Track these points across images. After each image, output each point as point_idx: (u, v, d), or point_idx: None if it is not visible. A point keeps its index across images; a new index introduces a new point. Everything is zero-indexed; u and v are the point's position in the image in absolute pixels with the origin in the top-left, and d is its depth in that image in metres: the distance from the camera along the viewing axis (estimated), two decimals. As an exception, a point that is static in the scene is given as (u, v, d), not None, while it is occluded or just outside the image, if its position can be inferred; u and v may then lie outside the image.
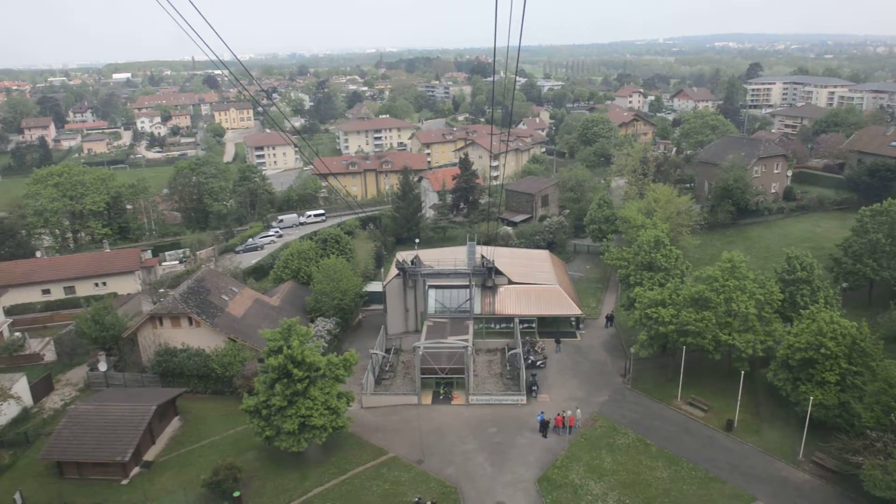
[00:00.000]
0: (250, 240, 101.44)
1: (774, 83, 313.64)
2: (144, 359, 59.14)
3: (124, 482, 45.84)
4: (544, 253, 78.06)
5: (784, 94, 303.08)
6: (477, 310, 63.91)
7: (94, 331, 59.67)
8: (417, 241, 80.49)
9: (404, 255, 67.11)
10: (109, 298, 64.90)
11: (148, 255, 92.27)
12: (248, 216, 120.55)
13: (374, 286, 73.69)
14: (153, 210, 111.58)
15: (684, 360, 51.78)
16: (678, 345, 51.43)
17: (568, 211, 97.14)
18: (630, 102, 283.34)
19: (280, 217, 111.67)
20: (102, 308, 60.65)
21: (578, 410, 49.73)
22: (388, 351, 62.83)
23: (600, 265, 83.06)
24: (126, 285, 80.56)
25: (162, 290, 60.11)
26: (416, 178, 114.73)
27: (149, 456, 48.69)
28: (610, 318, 66.99)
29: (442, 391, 54.57)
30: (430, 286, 64.59)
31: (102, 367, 58.46)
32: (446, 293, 64.75)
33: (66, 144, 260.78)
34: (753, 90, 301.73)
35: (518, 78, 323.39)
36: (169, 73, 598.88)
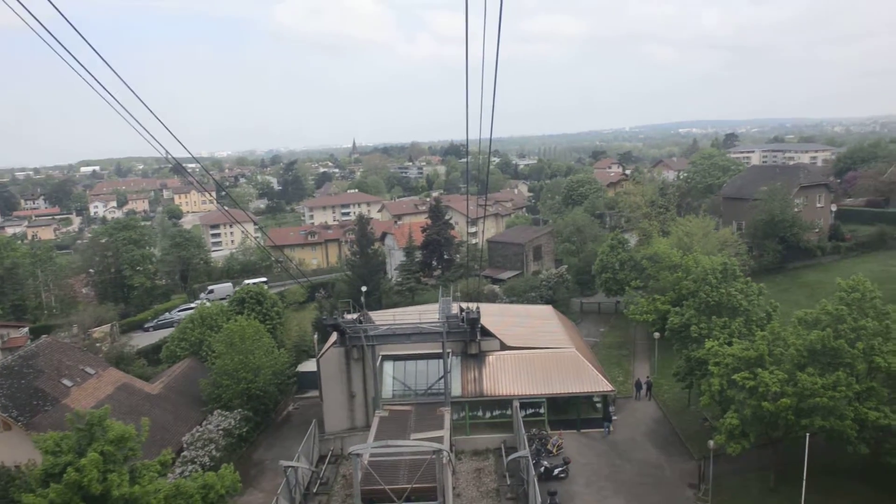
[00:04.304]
0: (167, 314, 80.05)
1: (754, 151, 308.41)
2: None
3: None
4: (547, 308, 57.65)
5: (763, 160, 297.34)
6: (456, 390, 42.85)
7: None
8: (365, 288, 59.27)
9: (348, 316, 46.35)
10: None
11: (24, 332, 70.41)
12: (180, 289, 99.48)
13: (311, 365, 52.44)
14: (52, 284, 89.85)
15: (785, 454, 31.57)
16: (796, 430, 30.79)
17: (566, 266, 77.72)
18: (610, 173, 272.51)
19: (210, 287, 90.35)
20: None
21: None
22: (321, 460, 41.09)
23: (618, 327, 63.22)
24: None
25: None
26: (378, 235, 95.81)
27: None
28: (643, 387, 47.11)
29: (401, 528, 32.67)
30: (385, 357, 43.66)
31: None
32: (409, 366, 43.73)
33: (10, 231, 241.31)
34: (734, 159, 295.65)
35: (493, 158, 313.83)
36: (141, 167, 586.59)
